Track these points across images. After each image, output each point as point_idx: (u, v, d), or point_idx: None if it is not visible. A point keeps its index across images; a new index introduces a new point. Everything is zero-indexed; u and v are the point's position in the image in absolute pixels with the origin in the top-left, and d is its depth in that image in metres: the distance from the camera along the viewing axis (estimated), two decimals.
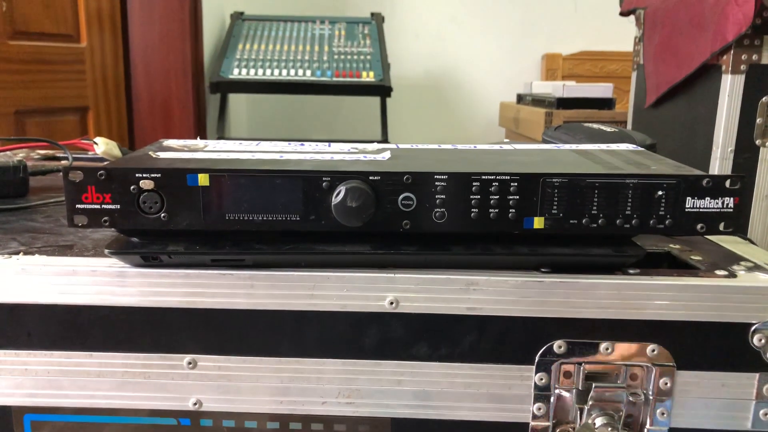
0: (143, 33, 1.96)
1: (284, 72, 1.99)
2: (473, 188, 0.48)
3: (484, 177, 0.48)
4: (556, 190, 0.48)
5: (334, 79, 1.98)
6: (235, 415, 0.53)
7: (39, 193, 0.78)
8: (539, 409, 0.52)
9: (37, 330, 0.51)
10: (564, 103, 1.93)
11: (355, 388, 0.52)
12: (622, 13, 1.70)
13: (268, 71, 1.99)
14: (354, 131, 2.56)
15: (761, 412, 0.51)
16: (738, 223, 0.49)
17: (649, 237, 0.63)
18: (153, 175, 0.47)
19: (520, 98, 2.22)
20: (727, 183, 0.48)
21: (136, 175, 0.47)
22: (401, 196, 0.48)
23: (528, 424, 0.52)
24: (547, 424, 0.52)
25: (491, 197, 0.49)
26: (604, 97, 1.97)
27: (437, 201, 0.49)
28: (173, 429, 0.54)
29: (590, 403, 0.51)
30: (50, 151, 1.07)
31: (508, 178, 0.48)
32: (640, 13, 1.58)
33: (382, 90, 1.99)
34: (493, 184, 0.48)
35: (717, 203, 0.49)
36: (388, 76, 2.01)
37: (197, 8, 2.02)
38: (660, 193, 0.49)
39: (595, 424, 0.51)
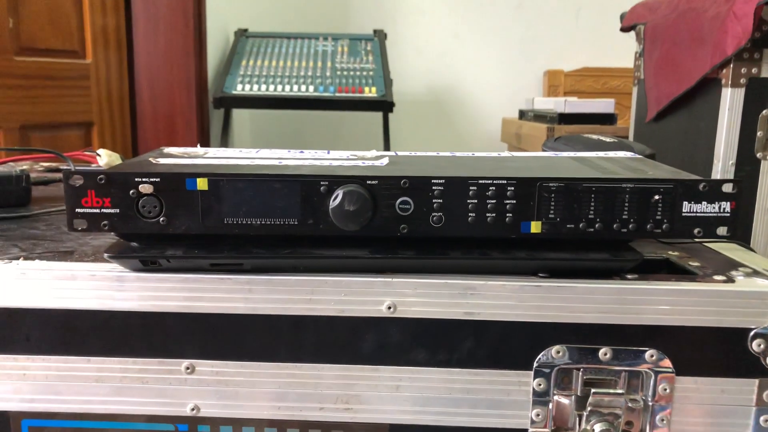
0: (148, 49, 1.98)
1: (287, 88, 2.01)
2: (470, 193, 0.49)
3: (481, 181, 0.49)
4: (552, 195, 0.49)
5: (337, 94, 1.99)
6: (233, 421, 0.53)
7: (41, 202, 0.79)
8: (538, 415, 0.51)
9: (36, 335, 0.52)
10: (566, 118, 1.93)
11: (353, 393, 0.52)
12: (623, 29, 1.71)
13: (272, 87, 2.01)
14: (357, 147, 2.56)
15: (762, 418, 0.51)
16: (735, 227, 0.49)
17: (649, 244, 0.63)
18: (152, 180, 0.48)
19: (522, 114, 2.23)
20: (724, 187, 0.49)
21: (136, 179, 0.48)
22: (398, 201, 0.49)
23: (527, 430, 0.52)
24: (546, 430, 0.52)
25: (488, 202, 0.49)
26: (605, 113, 1.98)
27: (434, 205, 0.49)
28: None
29: (589, 409, 0.51)
30: (54, 163, 1.08)
31: (505, 182, 0.48)
32: (640, 29, 1.59)
33: (384, 105, 2.00)
34: (490, 188, 0.49)
35: (714, 208, 0.49)
36: (391, 91, 2.03)
37: (201, 25, 2.04)
38: (657, 197, 0.49)
39: (594, 430, 0.51)
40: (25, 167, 0.98)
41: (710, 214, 0.49)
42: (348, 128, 2.60)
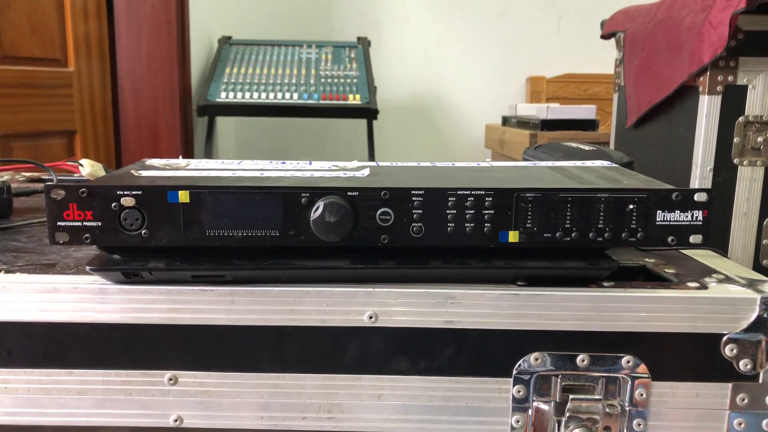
0: (131, 57, 1.97)
1: (271, 95, 2.01)
2: (449, 203, 0.49)
3: (459, 192, 0.49)
4: (529, 205, 0.49)
5: (321, 102, 2.00)
6: (216, 431, 0.53)
7: (23, 213, 0.79)
8: (517, 421, 0.52)
9: (18, 348, 0.52)
10: (548, 124, 1.95)
11: (335, 402, 0.53)
12: (603, 36, 1.74)
13: (256, 95, 2.01)
14: (342, 153, 2.58)
15: (735, 421, 0.52)
16: (707, 235, 0.50)
17: (628, 251, 0.64)
18: (134, 193, 0.48)
19: (506, 120, 2.25)
20: (696, 196, 0.50)
21: (117, 192, 0.48)
22: (379, 211, 0.49)
23: None
24: None
25: (467, 212, 0.50)
26: (587, 119, 2.00)
27: (414, 216, 0.50)
28: None
29: (567, 414, 0.52)
30: (36, 173, 1.08)
31: (483, 193, 0.49)
32: (620, 36, 1.62)
33: (368, 112, 2.01)
34: (469, 199, 0.49)
35: (686, 216, 0.50)
36: (375, 98, 2.04)
37: (185, 33, 2.04)
38: (631, 206, 0.50)
39: None
40: (6, 178, 0.98)
41: (683, 223, 0.50)
42: (333, 135, 2.61)
